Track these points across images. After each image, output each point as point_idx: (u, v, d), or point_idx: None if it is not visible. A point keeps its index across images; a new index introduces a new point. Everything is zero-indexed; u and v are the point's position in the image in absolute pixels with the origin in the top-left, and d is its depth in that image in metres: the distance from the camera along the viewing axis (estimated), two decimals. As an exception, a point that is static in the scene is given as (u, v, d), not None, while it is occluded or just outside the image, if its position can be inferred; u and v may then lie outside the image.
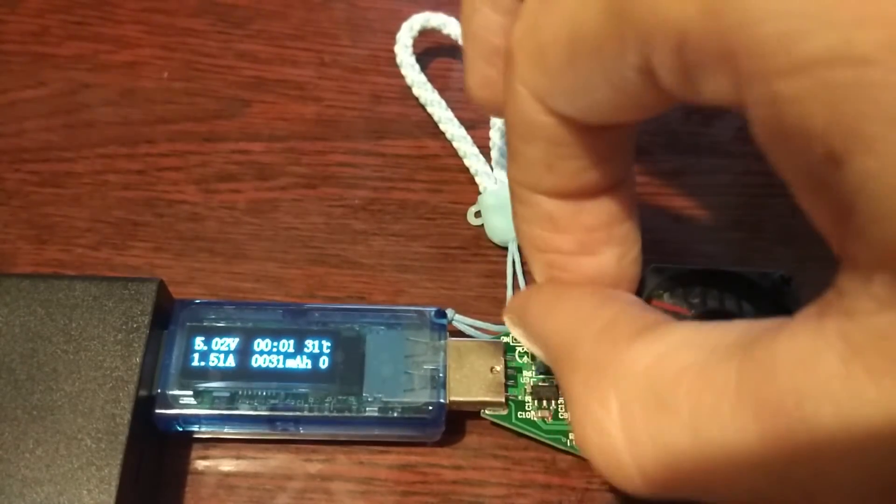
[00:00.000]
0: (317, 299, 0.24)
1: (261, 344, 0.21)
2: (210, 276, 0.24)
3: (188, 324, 0.21)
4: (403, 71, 0.27)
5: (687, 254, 0.25)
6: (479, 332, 0.22)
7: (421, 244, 0.25)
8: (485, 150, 0.26)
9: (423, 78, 0.27)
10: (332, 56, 0.29)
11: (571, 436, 0.21)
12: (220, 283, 0.24)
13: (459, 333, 0.22)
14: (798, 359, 0.10)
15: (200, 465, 0.21)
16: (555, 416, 0.21)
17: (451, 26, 0.27)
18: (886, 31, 0.08)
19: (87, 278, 0.21)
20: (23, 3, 0.30)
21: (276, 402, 0.20)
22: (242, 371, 0.20)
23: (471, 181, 0.26)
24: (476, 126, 0.27)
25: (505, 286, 0.24)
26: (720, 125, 0.28)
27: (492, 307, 0.24)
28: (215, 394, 0.20)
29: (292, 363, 0.21)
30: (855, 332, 0.09)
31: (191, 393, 0.20)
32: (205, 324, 0.21)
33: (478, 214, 0.25)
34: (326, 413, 0.20)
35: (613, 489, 0.21)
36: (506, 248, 0.25)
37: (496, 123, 0.26)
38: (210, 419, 0.20)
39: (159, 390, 0.20)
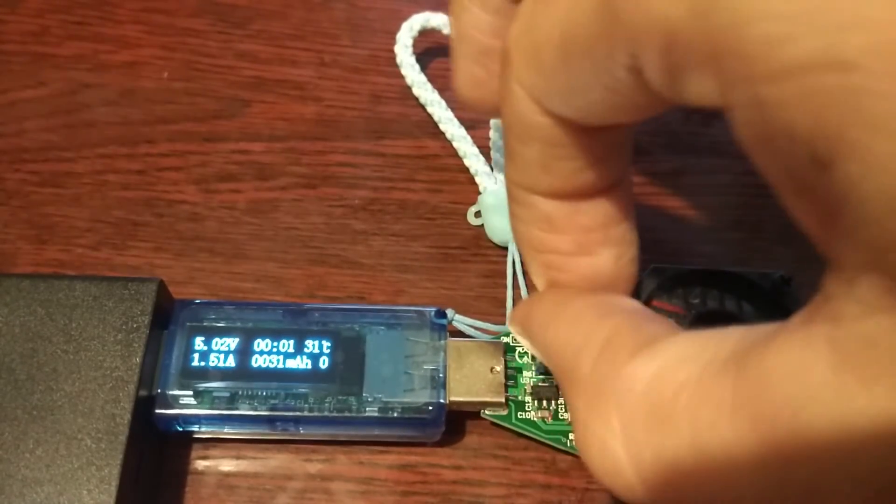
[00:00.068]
0: (317, 299, 0.24)
1: (261, 344, 0.21)
2: (210, 276, 0.24)
3: (188, 324, 0.21)
4: (403, 71, 0.27)
5: (687, 254, 0.25)
6: (479, 333, 0.22)
7: (421, 244, 0.25)
8: (485, 150, 0.26)
9: (423, 78, 0.27)
10: (332, 56, 0.29)
11: (571, 436, 0.21)
12: (220, 283, 0.24)
13: (459, 333, 0.22)
14: (790, 370, 0.10)
15: (200, 465, 0.21)
16: (555, 416, 0.21)
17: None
18: (870, 36, 0.08)
19: (87, 278, 0.21)
20: (23, 3, 0.30)
21: (276, 402, 0.20)
22: (242, 371, 0.20)
23: (471, 181, 0.26)
24: (476, 126, 0.27)
25: (505, 286, 0.24)
26: (720, 125, 0.28)
27: (492, 307, 0.24)
28: (215, 394, 0.20)
29: (292, 363, 0.21)
30: (843, 339, 0.09)
31: (191, 393, 0.20)
32: (205, 324, 0.21)
33: (478, 214, 0.26)
34: (326, 413, 0.20)
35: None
36: (506, 248, 0.25)
37: (496, 123, 0.26)
38: (210, 419, 0.20)
39: (159, 390, 0.20)
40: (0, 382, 0.19)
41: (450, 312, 0.22)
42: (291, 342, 0.21)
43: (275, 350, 0.21)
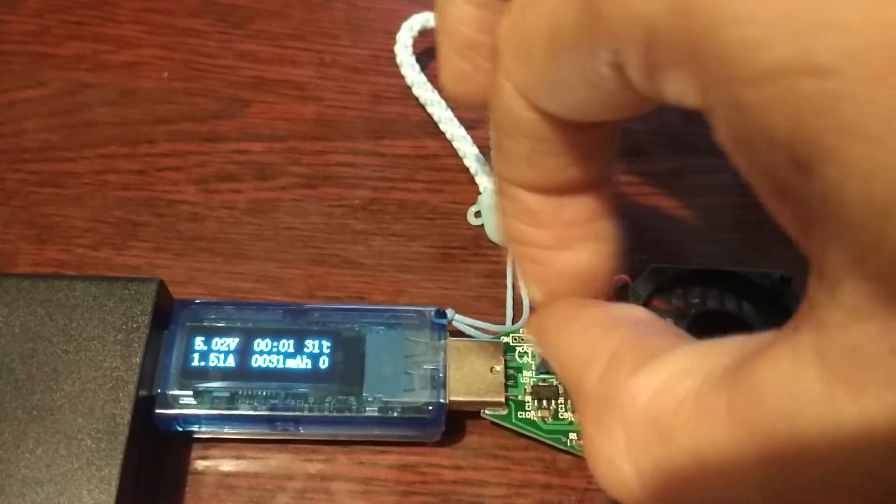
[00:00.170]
0: (317, 299, 0.24)
1: (261, 344, 0.21)
2: (210, 276, 0.24)
3: (188, 324, 0.21)
4: (403, 71, 0.27)
5: (687, 254, 0.25)
6: (478, 332, 0.22)
7: (421, 244, 0.25)
8: (485, 150, 0.26)
9: (423, 78, 0.27)
10: (332, 56, 0.29)
11: (572, 435, 0.21)
12: (220, 283, 0.24)
13: (459, 333, 0.22)
14: (780, 382, 0.10)
15: (200, 465, 0.21)
16: (555, 415, 0.21)
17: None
18: (845, 40, 0.08)
19: (87, 278, 0.21)
20: (23, 3, 0.30)
21: (276, 402, 0.20)
22: (242, 371, 0.20)
23: (471, 181, 0.26)
24: (476, 126, 0.27)
25: (505, 286, 0.24)
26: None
27: (492, 307, 0.24)
28: (215, 394, 0.20)
29: (292, 363, 0.21)
30: (829, 349, 0.09)
31: (191, 393, 0.20)
32: (205, 324, 0.21)
33: (478, 214, 0.25)
34: (326, 413, 0.20)
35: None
36: (506, 248, 0.25)
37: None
38: (210, 419, 0.20)
39: (159, 390, 0.20)
40: (0, 382, 0.19)
41: (450, 312, 0.22)
42: (291, 342, 0.21)
43: (275, 350, 0.21)
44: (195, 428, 0.21)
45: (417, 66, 0.27)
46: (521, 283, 0.23)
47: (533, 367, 0.22)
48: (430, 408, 0.20)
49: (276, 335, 0.21)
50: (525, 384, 0.22)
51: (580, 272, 0.16)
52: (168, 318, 0.21)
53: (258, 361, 0.21)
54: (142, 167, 0.26)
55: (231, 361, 0.21)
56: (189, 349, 0.21)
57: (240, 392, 0.20)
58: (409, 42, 0.27)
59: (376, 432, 0.21)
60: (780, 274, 0.22)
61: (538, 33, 0.12)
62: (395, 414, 0.20)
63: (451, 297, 0.24)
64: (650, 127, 0.28)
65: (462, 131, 0.26)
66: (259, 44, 0.29)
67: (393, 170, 0.27)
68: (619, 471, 0.12)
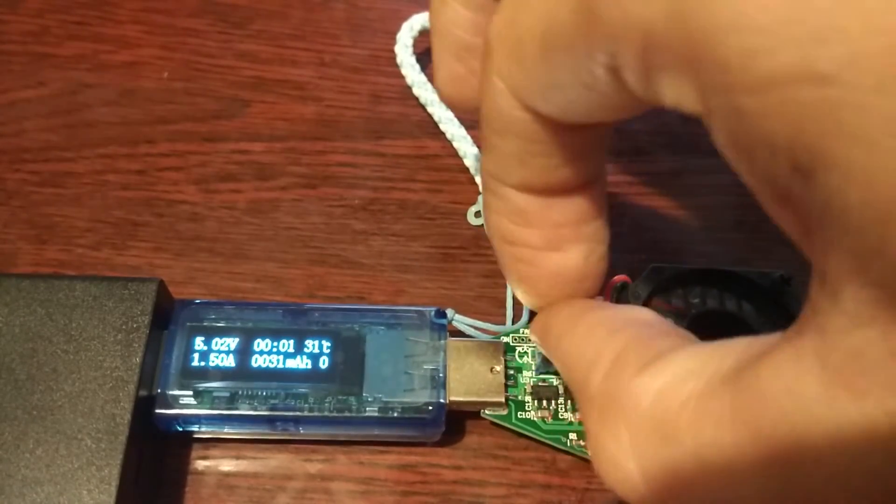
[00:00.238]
0: (317, 299, 0.24)
1: (261, 344, 0.21)
2: (210, 276, 0.24)
3: (188, 324, 0.21)
4: (404, 71, 0.27)
5: (687, 254, 0.25)
6: (479, 332, 0.22)
7: (421, 244, 0.25)
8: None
9: (423, 78, 0.27)
10: (332, 56, 0.29)
11: (571, 435, 0.21)
12: (220, 283, 0.24)
13: (459, 333, 0.22)
14: (783, 385, 0.10)
15: (200, 465, 0.21)
16: (555, 416, 0.21)
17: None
18: (845, 48, 0.08)
19: (87, 278, 0.21)
20: (23, 3, 0.30)
21: (276, 402, 0.20)
22: (242, 371, 0.20)
23: (471, 181, 0.26)
24: (476, 126, 0.27)
25: (505, 286, 0.24)
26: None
27: (492, 307, 0.24)
28: (215, 394, 0.20)
29: (292, 363, 0.21)
30: (831, 353, 0.09)
31: (191, 393, 0.20)
32: (205, 324, 0.21)
33: (478, 214, 0.26)
34: (326, 413, 0.20)
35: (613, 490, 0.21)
36: (506, 248, 0.25)
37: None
38: (210, 419, 0.20)
39: (159, 390, 0.20)
40: (0, 382, 0.19)
41: (450, 312, 0.22)
42: (291, 342, 0.21)
43: (275, 350, 0.21)
44: (195, 428, 0.21)
45: (417, 66, 0.27)
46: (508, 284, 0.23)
47: (533, 368, 0.22)
48: (430, 408, 0.20)
49: (276, 335, 0.21)
50: (525, 384, 0.22)
51: (569, 273, 0.15)
52: (168, 318, 0.21)
53: (258, 361, 0.21)
54: (142, 167, 0.26)
55: (231, 361, 0.21)
56: (189, 349, 0.21)
57: (240, 392, 0.20)
58: (410, 42, 0.27)
59: (376, 432, 0.21)
60: (780, 274, 0.22)
61: (531, 34, 0.12)
62: (395, 414, 0.20)
63: (451, 297, 0.24)
64: (650, 127, 0.28)
65: (462, 131, 0.26)
66: (259, 44, 0.29)
67: (393, 170, 0.27)
68: (623, 470, 0.13)
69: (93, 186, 0.26)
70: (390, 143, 0.27)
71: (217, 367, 0.20)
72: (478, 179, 0.26)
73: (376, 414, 0.20)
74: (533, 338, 0.17)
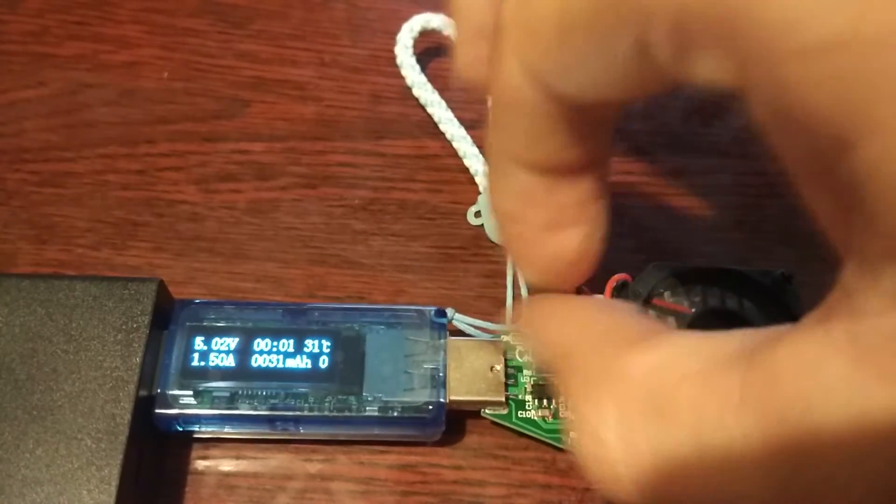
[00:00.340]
0: (317, 299, 0.24)
1: (261, 344, 0.21)
2: (210, 276, 0.24)
3: (188, 324, 0.21)
4: (404, 71, 0.27)
5: (687, 254, 0.25)
6: (479, 332, 0.22)
7: (421, 244, 0.25)
8: (485, 151, 0.26)
9: (423, 78, 0.27)
10: (332, 56, 0.29)
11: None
12: (220, 283, 0.24)
13: (459, 333, 0.22)
14: (804, 363, 0.10)
15: (200, 465, 0.21)
16: (555, 415, 0.21)
17: (451, 27, 0.27)
18: (895, 13, 0.08)
19: (87, 278, 0.21)
20: (23, 3, 0.30)
21: (276, 401, 0.20)
22: (242, 371, 0.20)
23: (471, 181, 0.26)
24: (476, 126, 0.27)
25: (505, 286, 0.24)
26: (720, 125, 0.28)
27: (492, 307, 0.24)
28: (215, 394, 0.20)
29: (292, 363, 0.21)
30: (864, 334, 0.09)
31: (191, 393, 0.20)
32: (205, 324, 0.21)
33: (478, 214, 0.25)
34: (326, 413, 0.20)
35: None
36: (506, 248, 0.25)
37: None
38: (210, 419, 0.20)
39: (159, 390, 0.20)
40: (0, 382, 0.19)
41: (450, 311, 0.22)
42: (291, 342, 0.21)
43: (275, 350, 0.21)
44: (195, 428, 0.21)
45: (417, 67, 0.27)
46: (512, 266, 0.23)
47: (533, 367, 0.22)
48: (430, 407, 0.20)
49: (276, 335, 0.21)
50: (525, 383, 0.22)
51: (569, 254, 0.15)
52: (168, 318, 0.21)
53: (258, 361, 0.21)
54: (142, 167, 0.26)
55: (231, 361, 0.21)
56: (189, 349, 0.21)
57: (240, 392, 0.20)
58: (410, 42, 0.27)
59: (376, 432, 0.21)
60: (782, 272, 0.22)
61: (549, 10, 0.11)
62: (395, 413, 0.20)
63: (451, 297, 0.24)
64: (650, 127, 0.28)
65: (462, 131, 0.26)
66: (259, 44, 0.29)
67: (393, 170, 0.27)
68: (605, 448, 0.12)
69: (93, 186, 0.26)
70: (390, 143, 0.27)
71: (217, 366, 0.20)
72: (478, 180, 0.26)
73: (376, 413, 0.20)
74: (515, 327, 0.17)
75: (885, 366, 0.09)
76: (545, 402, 0.21)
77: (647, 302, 0.22)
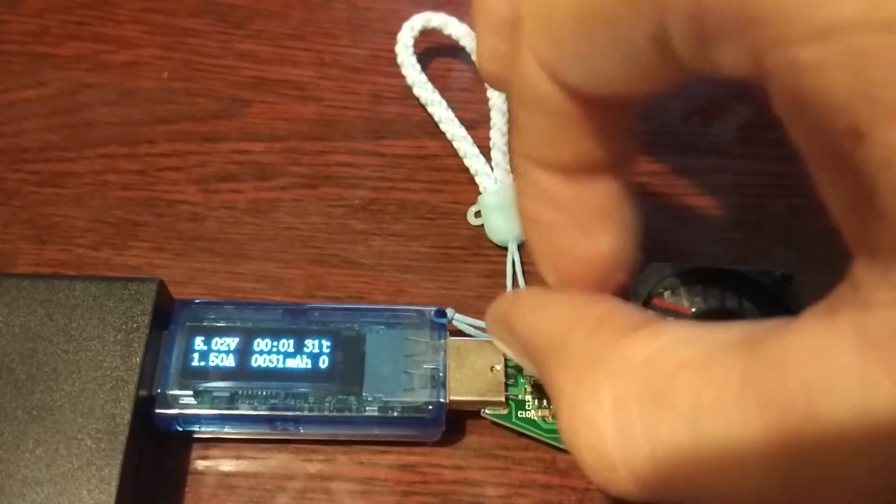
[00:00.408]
0: (317, 299, 0.24)
1: (261, 344, 0.21)
2: (210, 276, 0.24)
3: (188, 324, 0.21)
4: (404, 71, 0.27)
5: (687, 254, 0.25)
6: (479, 332, 0.22)
7: (421, 244, 0.25)
8: (485, 150, 0.26)
9: (423, 78, 0.27)
10: (332, 56, 0.29)
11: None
12: (220, 283, 0.24)
13: (459, 333, 0.22)
14: (809, 353, 0.10)
15: (200, 465, 0.21)
16: (555, 415, 0.21)
17: (451, 27, 0.27)
18: None
19: (87, 278, 0.21)
20: (23, 3, 0.30)
21: (276, 401, 0.20)
22: (242, 371, 0.20)
23: (471, 181, 0.26)
24: (476, 126, 0.27)
25: (505, 286, 0.24)
26: (720, 125, 0.28)
27: (492, 307, 0.24)
28: (215, 394, 0.20)
29: (292, 363, 0.21)
30: (872, 326, 0.09)
31: (191, 393, 0.20)
32: (205, 324, 0.21)
33: (478, 214, 0.25)
34: (326, 413, 0.20)
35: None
36: (506, 248, 0.25)
37: (496, 123, 0.26)
38: (210, 419, 0.20)
39: (159, 390, 0.20)
40: (0, 382, 0.19)
41: (450, 312, 0.22)
42: (291, 342, 0.21)
43: (275, 350, 0.21)
44: (195, 428, 0.21)
45: (418, 66, 0.27)
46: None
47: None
48: (430, 407, 0.20)
49: (276, 335, 0.21)
50: (525, 383, 0.22)
51: (598, 259, 0.15)
52: (168, 318, 0.21)
53: (258, 361, 0.21)
54: (142, 167, 0.26)
55: (231, 361, 0.21)
56: (189, 349, 0.21)
57: (240, 392, 0.20)
58: (410, 42, 0.27)
59: (376, 432, 0.21)
60: (781, 272, 0.22)
61: (566, 7, 0.11)
62: (395, 413, 0.20)
63: (451, 297, 0.24)
64: (650, 127, 0.28)
65: (462, 131, 0.26)
66: (259, 44, 0.29)
67: (393, 170, 0.27)
68: (600, 436, 0.12)
69: (93, 186, 0.26)
70: (390, 143, 0.27)
71: (217, 366, 0.20)
72: (478, 180, 0.26)
73: (376, 413, 0.20)
74: (488, 321, 0.17)
75: (891, 359, 0.09)
76: (545, 402, 0.21)
77: (646, 302, 0.22)
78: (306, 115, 0.28)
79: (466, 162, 0.26)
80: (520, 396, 0.21)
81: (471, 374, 0.21)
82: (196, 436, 0.21)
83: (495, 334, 0.17)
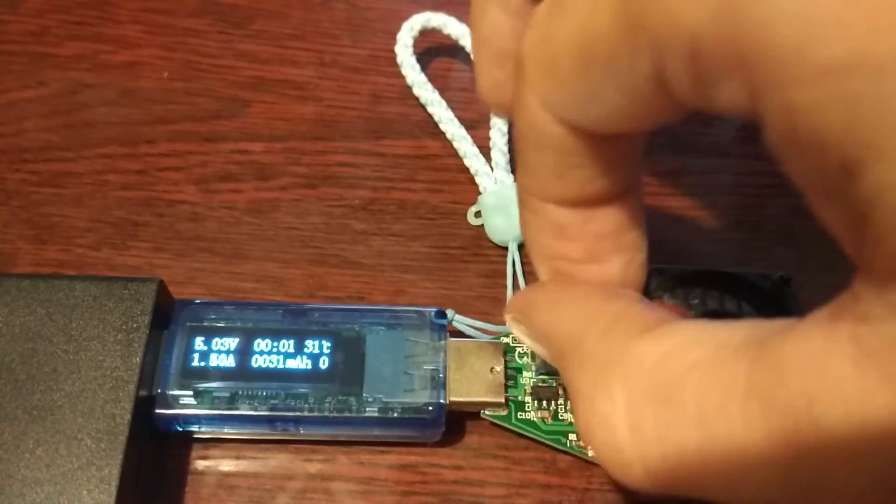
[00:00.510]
0: (317, 299, 0.24)
1: (261, 344, 0.21)
2: (210, 276, 0.24)
3: (188, 324, 0.21)
4: (404, 71, 0.27)
5: (687, 254, 0.25)
6: (479, 333, 0.22)
7: (421, 244, 0.25)
8: (485, 150, 0.26)
9: (423, 78, 0.27)
10: (332, 56, 0.29)
11: (571, 436, 0.21)
12: (220, 283, 0.24)
13: (459, 334, 0.22)
14: (810, 360, 0.10)
15: (200, 465, 0.21)
16: (554, 416, 0.21)
17: (451, 26, 0.27)
18: None
19: (87, 278, 0.21)
20: (23, 3, 0.30)
21: (276, 402, 0.20)
22: (242, 371, 0.20)
23: (471, 181, 0.26)
24: (476, 126, 0.27)
25: (505, 286, 0.24)
26: (720, 125, 0.28)
27: (492, 307, 0.24)
28: (215, 394, 0.20)
29: (292, 363, 0.21)
30: (868, 337, 0.09)
31: (191, 393, 0.20)
32: (205, 324, 0.21)
33: (478, 214, 0.26)
34: (326, 413, 0.20)
35: (613, 489, 0.21)
36: (506, 248, 0.25)
37: (496, 123, 0.26)
38: (210, 419, 0.20)
39: (159, 390, 0.20)
40: (0, 382, 0.19)
41: (450, 313, 0.22)
42: (291, 342, 0.21)
43: (275, 350, 0.21)
44: (195, 428, 0.21)
45: (418, 66, 0.27)
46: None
47: (533, 368, 0.22)
48: (430, 408, 0.20)
49: (276, 335, 0.21)
50: (525, 385, 0.22)
51: (611, 283, 0.15)
52: (168, 318, 0.21)
53: (258, 361, 0.21)
54: (142, 167, 0.26)
55: (231, 361, 0.21)
56: (189, 349, 0.21)
57: (240, 392, 0.20)
58: (410, 42, 0.27)
59: (376, 433, 0.21)
60: (780, 275, 0.22)
61: (566, 48, 0.12)
62: (395, 414, 0.20)
63: (451, 297, 0.24)
64: (650, 127, 0.28)
65: (462, 131, 0.26)
66: (259, 44, 0.29)
67: (393, 170, 0.27)
68: (615, 435, 0.12)
69: (93, 186, 0.26)
70: (390, 143, 0.27)
71: (217, 367, 0.20)
72: (478, 180, 0.26)
73: (376, 414, 0.20)
74: (509, 318, 0.17)
75: (887, 368, 0.09)
76: (545, 403, 0.21)
77: (650, 301, 0.22)
78: (306, 115, 0.28)
79: (466, 162, 0.26)
80: (519, 398, 0.21)
81: (471, 376, 0.21)
82: (196, 436, 0.21)
83: (516, 329, 0.17)
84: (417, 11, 0.27)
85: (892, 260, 0.09)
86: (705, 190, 0.27)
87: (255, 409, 0.20)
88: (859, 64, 0.08)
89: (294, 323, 0.21)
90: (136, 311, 0.20)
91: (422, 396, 0.20)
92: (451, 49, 0.28)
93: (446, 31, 0.27)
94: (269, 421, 0.20)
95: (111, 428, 0.19)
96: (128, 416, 0.19)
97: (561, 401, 0.21)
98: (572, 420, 0.21)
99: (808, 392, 0.10)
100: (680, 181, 0.27)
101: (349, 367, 0.21)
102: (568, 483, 0.21)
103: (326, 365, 0.21)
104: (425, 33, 0.28)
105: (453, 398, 0.21)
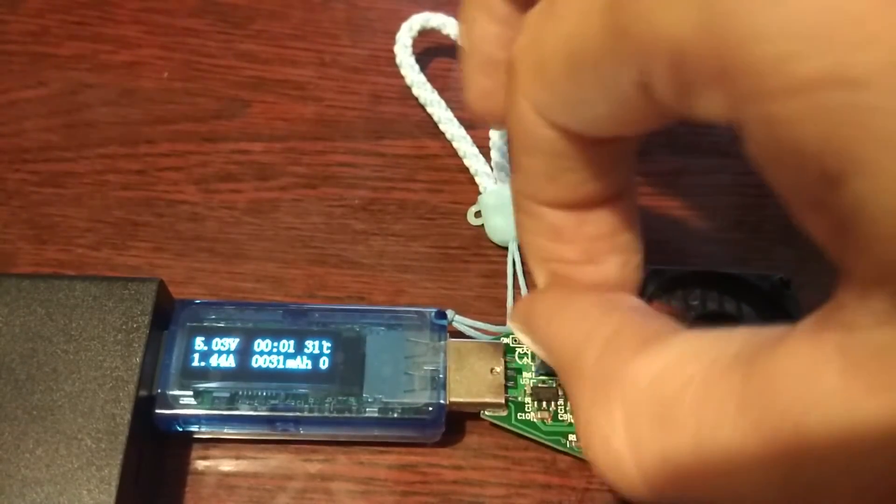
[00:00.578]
0: (317, 299, 0.24)
1: (261, 344, 0.21)
2: (210, 276, 0.24)
3: (188, 324, 0.21)
4: (403, 71, 0.27)
5: (687, 254, 0.25)
6: (479, 333, 0.22)
7: (421, 244, 0.25)
8: (485, 150, 0.26)
9: (422, 78, 0.27)
10: (332, 56, 0.29)
11: (571, 437, 0.21)
12: (220, 283, 0.24)
13: (459, 334, 0.22)
14: (798, 373, 0.10)
15: (200, 465, 0.21)
16: (554, 417, 0.21)
17: (450, 26, 0.27)
18: (879, 54, 0.08)
19: (87, 278, 0.21)
20: (23, 3, 0.30)
21: (276, 402, 0.20)
22: (242, 371, 0.20)
23: (471, 181, 0.26)
24: (476, 126, 0.27)
25: (505, 286, 0.24)
26: (720, 125, 0.28)
27: (492, 307, 0.24)
28: (215, 394, 0.20)
29: (292, 363, 0.21)
30: (853, 347, 0.09)
31: (191, 393, 0.20)
32: (205, 324, 0.21)
33: (478, 214, 0.26)
34: (326, 413, 0.20)
35: (613, 489, 0.21)
36: (506, 248, 0.25)
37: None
38: (210, 419, 0.20)
39: (159, 390, 0.20)
40: (0, 382, 0.19)
41: (450, 313, 0.22)
42: (291, 342, 0.21)
43: (275, 350, 0.21)
44: (195, 428, 0.21)
45: (417, 67, 0.27)
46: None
47: (533, 369, 0.22)
48: (431, 409, 0.20)
49: (276, 335, 0.21)
50: (525, 385, 0.22)
51: (607, 284, 0.15)
52: (168, 318, 0.21)
53: (258, 362, 0.21)
54: (142, 167, 0.26)
55: (231, 362, 0.21)
56: (189, 349, 0.21)
57: (240, 392, 0.20)
58: (409, 42, 0.27)
59: (376, 433, 0.21)
60: (780, 276, 0.22)
61: (556, 53, 0.12)
62: (395, 415, 0.20)
63: (451, 298, 0.24)
64: (650, 127, 0.28)
65: (462, 131, 0.26)
66: (259, 44, 0.29)
67: (393, 170, 0.27)
68: (615, 452, 0.12)
69: (93, 186, 0.26)
70: (390, 143, 0.27)
71: (217, 367, 0.20)
72: (478, 180, 0.26)
73: (376, 415, 0.20)
74: (513, 324, 0.17)
75: (872, 378, 0.09)
76: (544, 404, 0.21)
77: (648, 308, 0.22)
78: (306, 115, 0.28)
79: (466, 162, 0.26)
80: (519, 398, 0.21)
81: (471, 376, 0.21)
82: (196, 436, 0.21)
83: (522, 338, 0.17)
84: (417, 11, 0.27)
85: (875, 268, 0.09)
86: (705, 190, 0.27)
87: (255, 410, 0.20)
88: (838, 77, 0.08)
89: (294, 323, 0.21)
90: (136, 311, 0.20)
91: (422, 397, 0.20)
92: (451, 49, 0.28)
93: (446, 31, 0.27)
94: (269, 421, 0.20)
95: (111, 428, 0.19)
96: (128, 416, 0.19)
97: (561, 401, 0.21)
98: (572, 421, 0.21)
99: (797, 404, 0.10)
100: (680, 181, 0.27)
101: (349, 367, 0.21)
102: (568, 483, 0.21)
103: (326, 365, 0.21)
104: (424, 33, 0.28)
105: (453, 398, 0.21)
